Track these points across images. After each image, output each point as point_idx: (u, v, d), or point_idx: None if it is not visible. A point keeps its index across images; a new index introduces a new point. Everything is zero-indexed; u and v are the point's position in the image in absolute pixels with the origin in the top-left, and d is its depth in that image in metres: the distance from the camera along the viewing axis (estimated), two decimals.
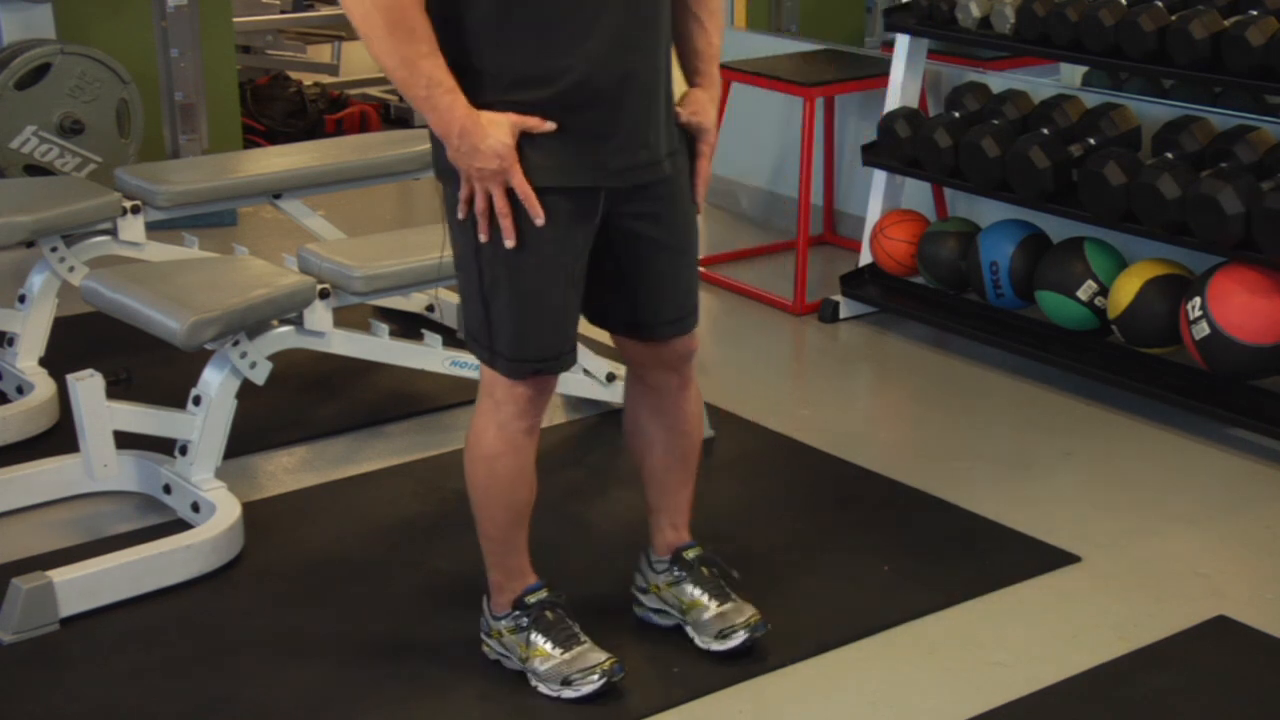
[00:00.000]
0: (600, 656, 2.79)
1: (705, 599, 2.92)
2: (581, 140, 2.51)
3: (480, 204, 2.49)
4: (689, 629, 2.93)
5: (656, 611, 2.98)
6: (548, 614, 2.81)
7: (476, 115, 2.43)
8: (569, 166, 2.52)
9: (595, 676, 2.76)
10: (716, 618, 2.90)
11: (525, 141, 2.47)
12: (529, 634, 2.79)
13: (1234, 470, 3.70)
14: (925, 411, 4.14)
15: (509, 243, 2.51)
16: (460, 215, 2.53)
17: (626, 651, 2.87)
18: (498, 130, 2.44)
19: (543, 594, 2.82)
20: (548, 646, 2.78)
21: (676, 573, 2.94)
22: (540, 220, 2.50)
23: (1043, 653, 2.93)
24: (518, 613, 2.80)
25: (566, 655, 2.78)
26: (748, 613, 2.90)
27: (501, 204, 2.48)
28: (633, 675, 2.82)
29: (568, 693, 2.77)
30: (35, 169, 5.23)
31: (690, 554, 2.95)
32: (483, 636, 2.88)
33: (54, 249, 4.00)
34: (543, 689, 2.78)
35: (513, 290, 2.57)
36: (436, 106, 2.42)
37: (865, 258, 4.74)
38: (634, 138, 2.56)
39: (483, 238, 2.52)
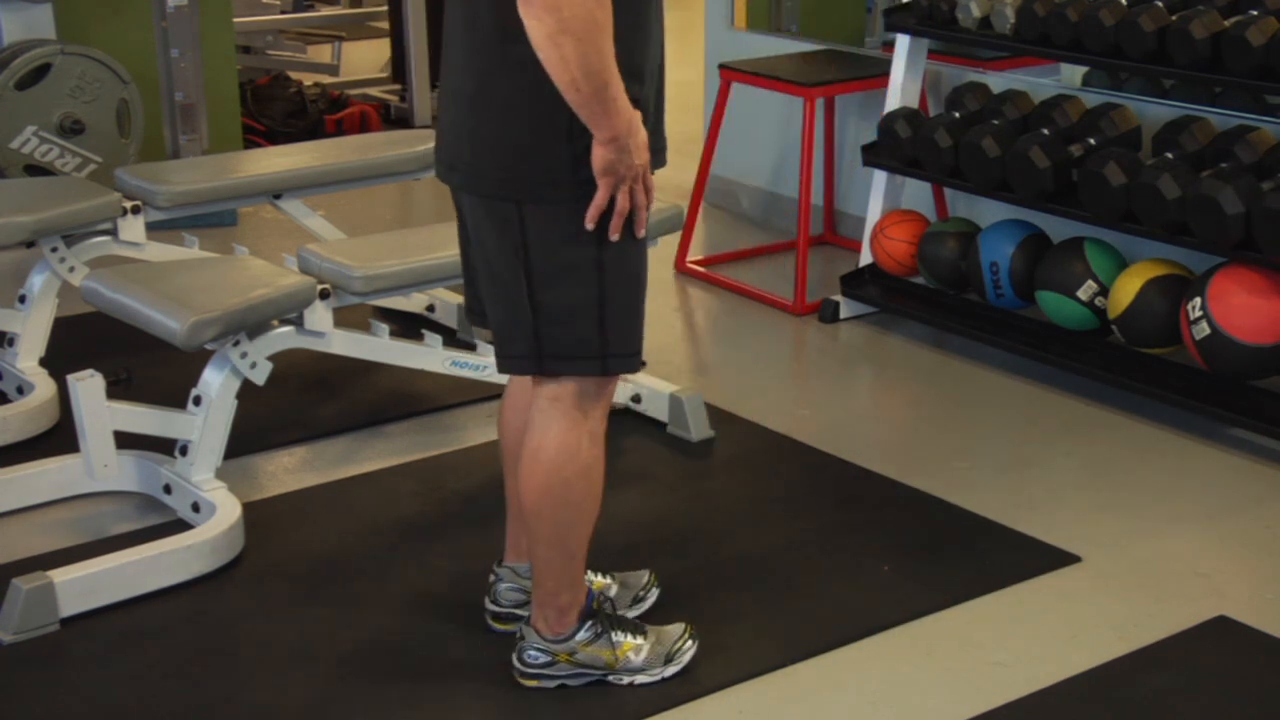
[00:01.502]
0: (675, 626, 2.86)
1: (603, 579, 3.00)
2: (656, 126, 2.56)
3: (624, 203, 2.44)
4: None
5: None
6: (607, 610, 2.83)
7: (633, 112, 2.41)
8: (657, 153, 2.56)
9: (689, 642, 2.84)
10: (621, 589, 3.01)
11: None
12: (610, 635, 2.78)
13: (1234, 470, 3.70)
14: (925, 411, 4.14)
15: (641, 232, 2.50)
16: (590, 225, 2.45)
17: None
18: (640, 126, 2.42)
19: (595, 595, 2.82)
20: (632, 639, 2.80)
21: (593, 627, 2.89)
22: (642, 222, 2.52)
23: (1043, 653, 2.93)
24: (591, 622, 2.77)
25: (651, 638, 2.81)
26: (644, 574, 3.06)
27: (642, 196, 2.47)
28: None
29: (670, 669, 2.81)
30: (35, 169, 5.23)
31: (597, 602, 2.92)
32: (533, 670, 2.78)
33: (54, 249, 4.00)
34: (641, 679, 2.80)
35: (635, 284, 2.57)
36: (620, 108, 2.35)
37: (865, 258, 4.74)
38: (664, 121, 2.63)
39: (615, 236, 2.47)
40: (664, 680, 2.81)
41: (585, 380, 2.59)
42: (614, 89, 2.33)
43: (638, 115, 2.42)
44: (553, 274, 2.51)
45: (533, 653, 2.77)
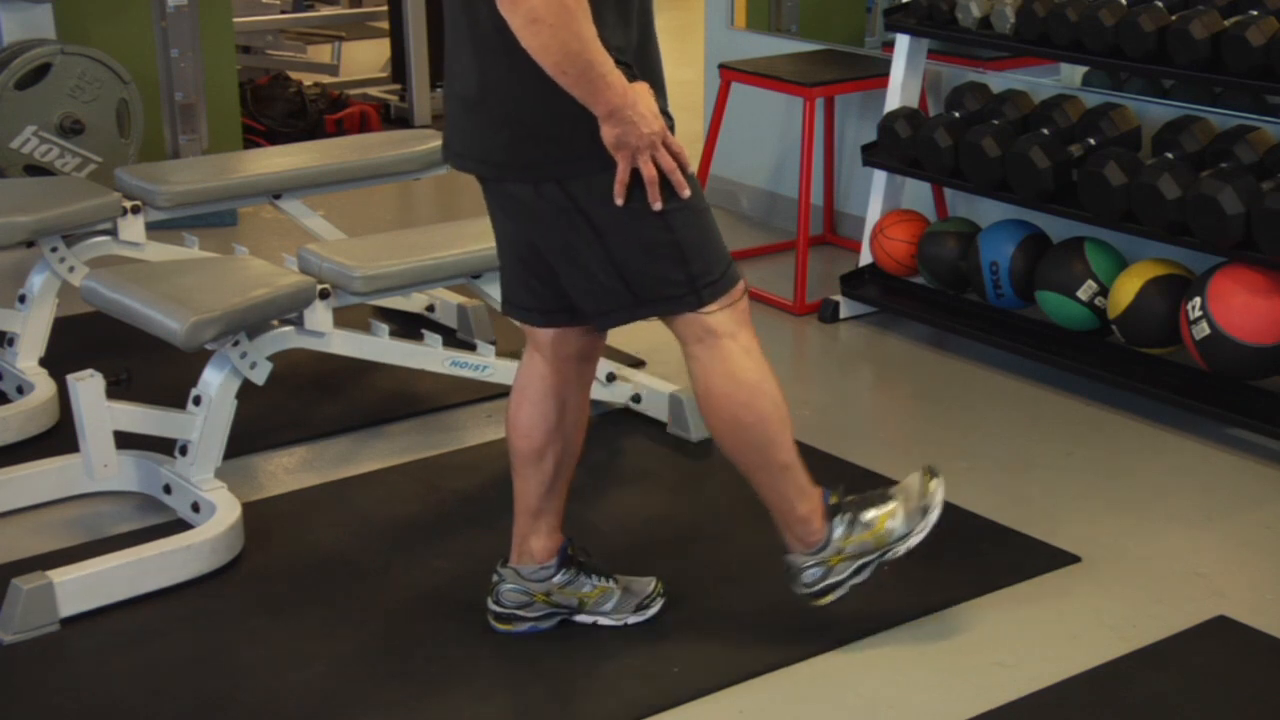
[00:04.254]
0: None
1: (609, 583, 2.98)
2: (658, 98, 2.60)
3: (649, 171, 2.51)
4: (588, 618, 2.95)
5: (543, 617, 2.94)
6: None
7: (634, 85, 2.48)
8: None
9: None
10: (626, 594, 2.99)
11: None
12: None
13: (1234, 470, 3.70)
14: (925, 412, 4.14)
15: (685, 193, 2.56)
16: (619, 200, 2.52)
17: (626, 652, 2.88)
18: (647, 95, 2.49)
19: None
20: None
21: (569, 572, 2.94)
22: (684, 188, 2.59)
23: (1043, 653, 2.93)
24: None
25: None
26: (649, 581, 3.03)
27: (668, 160, 2.52)
28: (632, 675, 2.82)
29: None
30: (35, 169, 5.23)
31: (573, 549, 2.98)
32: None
33: (54, 249, 4.00)
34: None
35: (700, 217, 2.63)
36: (612, 83, 2.42)
37: (865, 258, 4.74)
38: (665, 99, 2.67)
39: (657, 205, 2.54)
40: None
41: (714, 310, 2.64)
42: (600, 67, 2.41)
43: (640, 86, 2.49)
44: (621, 232, 2.58)
45: (811, 572, 2.83)
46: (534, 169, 2.56)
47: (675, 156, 2.54)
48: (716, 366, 2.67)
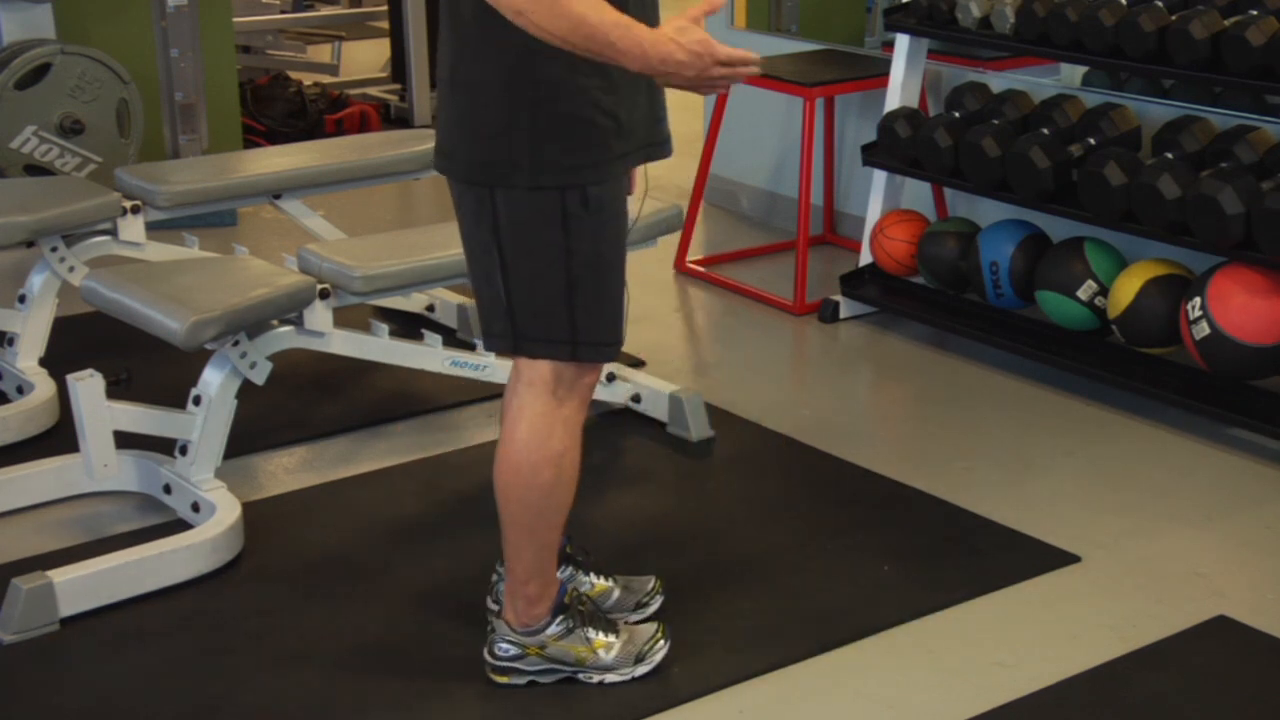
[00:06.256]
0: (648, 625, 2.87)
1: (606, 582, 2.98)
2: (649, 113, 2.57)
3: (718, 89, 2.39)
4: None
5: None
6: (582, 606, 2.82)
7: (654, 32, 2.32)
8: (648, 145, 2.58)
9: (661, 642, 2.84)
10: (625, 593, 2.99)
11: (611, 122, 2.48)
12: (584, 632, 2.78)
13: (1234, 470, 3.70)
14: (925, 411, 4.14)
15: (753, 70, 2.37)
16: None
17: None
18: (665, 43, 2.32)
19: (568, 589, 2.82)
20: (605, 636, 2.80)
21: (567, 570, 2.94)
22: (756, 70, 2.39)
23: (1043, 653, 2.93)
24: (563, 616, 2.77)
25: (623, 636, 2.81)
26: (649, 580, 3.03)
27: (733, 71, 2.34)
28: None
29: (641, 669, 2.81)
30: (35, 169, 5.23)
31: (570, 547, 2.97)
32: (504, 664, 2.79)
33: (54, 249, 4.00)
34: (611, 678, 2.80)
35: (606, 273, 2.58)
36: (622, 49, 2.30)
37: (865, 258, 4.74)
38: (663, 109, 2.63)
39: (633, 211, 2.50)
40: (634, 680, 2.80)
41: (562, 366, 2.60)
42: (601, 38, 2.28)
43: (655, 34, 2.32)
44: (523, 258, 2.54)
45: (503, 645, 2.78)
46: (470, 169, 2.53)
47: (729, 63, 2.34)
48: (532, 417, 2.61)
